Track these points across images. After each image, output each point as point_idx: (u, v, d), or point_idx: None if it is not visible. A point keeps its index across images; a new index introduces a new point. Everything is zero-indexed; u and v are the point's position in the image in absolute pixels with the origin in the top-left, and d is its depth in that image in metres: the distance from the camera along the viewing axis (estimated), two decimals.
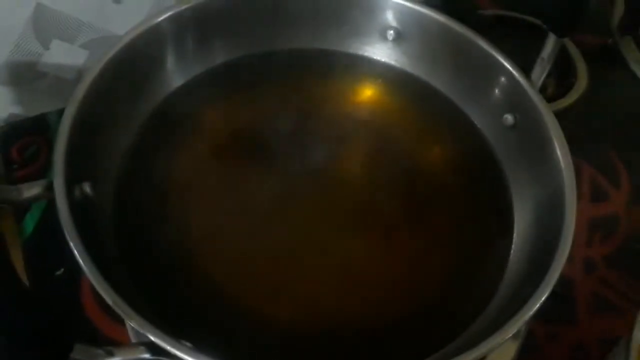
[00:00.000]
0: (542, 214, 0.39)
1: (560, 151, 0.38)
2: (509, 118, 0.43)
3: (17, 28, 0.45)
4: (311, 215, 0.40)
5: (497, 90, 0.44)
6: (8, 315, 0.25)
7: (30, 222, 0.48)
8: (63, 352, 0.27)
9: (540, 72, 0.42)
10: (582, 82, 0.58)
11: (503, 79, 0.43)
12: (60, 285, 0.45)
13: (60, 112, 0.36)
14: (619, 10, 0.65)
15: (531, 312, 0.32)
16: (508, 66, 0.42)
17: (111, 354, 0.29)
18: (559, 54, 0.54)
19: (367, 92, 0.49)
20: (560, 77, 0.58)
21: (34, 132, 0.52)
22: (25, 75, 0.47)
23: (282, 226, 0.40)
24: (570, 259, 0.48)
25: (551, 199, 0.38)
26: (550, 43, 0.42)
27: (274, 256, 0.38)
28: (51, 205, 0.33)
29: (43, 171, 0.50)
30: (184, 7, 0.43)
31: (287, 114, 0.45)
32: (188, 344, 0.29)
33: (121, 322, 0.42)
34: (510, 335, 0.31)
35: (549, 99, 0.55)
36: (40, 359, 0.27)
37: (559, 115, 0.41)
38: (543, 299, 0.32)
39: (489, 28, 0.54)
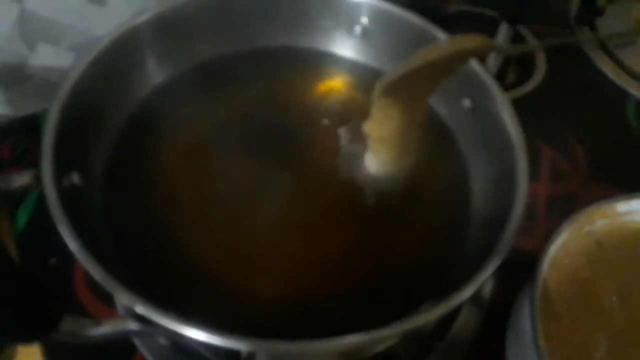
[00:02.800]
0: (499, 189, 0.42)
1: (513, 130, 0.41)
2: (466, 102, 0.46)
3: (3, 31, 0.47)
4: (287, 200, 0.43)
5: (455, 77, 0.46)
6: None
7: (22, 216, 0.50)
8: (53, 322, 0.29)
9: (495, 58, 0.45)
10: (540, 70, 0.61)
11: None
12: (53, 273, 0.47)
13: None
14: (576, 1, 0.69)
15: (485, 276, 0.34)
16: None
17: (99, 324, 0.31)
18: (517, 44, 0.57)
19: (336, 87, 0.51)
20: (520, 66, 0.62)
21: (24, 131, 0.54)
22: (13, 76, 0.49)
23: (262, 210, 0.42)
24: (531, 232, 0.52)
25: (506, 174, 0.41)
26: (503, 31, 0.44)
27: (255, 237, 0.41)
28: (42, 198, 0.35)
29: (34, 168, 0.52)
30: (164, 8, 0.45)
31: (262, 109, 0.48)
32: (172, 313, 0.31)
33: (113, 305, 0.45)
34: (467, 296, 0.33)
35: (510, 87, 0.59)
36: (31, 329, 0.29)
37: (520, 102, 0.45)
38: (497, 264, 0.35)
39: (452, 22, 0.58)
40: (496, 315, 0.45)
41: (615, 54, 0.65)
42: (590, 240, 0.43)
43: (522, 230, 0.37)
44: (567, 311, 0.40)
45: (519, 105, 0.43)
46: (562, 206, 0.54)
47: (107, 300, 0.45)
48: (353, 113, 0.48)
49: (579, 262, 0.42)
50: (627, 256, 0.43)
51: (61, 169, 0.37)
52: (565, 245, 0.42)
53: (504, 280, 0.47)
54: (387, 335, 0.32)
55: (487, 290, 0.47)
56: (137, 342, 0.43)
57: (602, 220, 0.44)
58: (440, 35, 0.47)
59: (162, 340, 0.42)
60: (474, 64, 0.45)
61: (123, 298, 0.31)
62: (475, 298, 0.46)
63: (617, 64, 0.64)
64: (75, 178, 0.38)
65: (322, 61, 0.52)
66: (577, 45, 0.59)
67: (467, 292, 0.34)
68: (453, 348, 0.44)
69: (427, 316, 0.33)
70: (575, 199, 0.55)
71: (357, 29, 0.51)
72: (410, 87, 0.39)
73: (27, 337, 0.30)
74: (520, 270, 0.42)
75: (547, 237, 0.41)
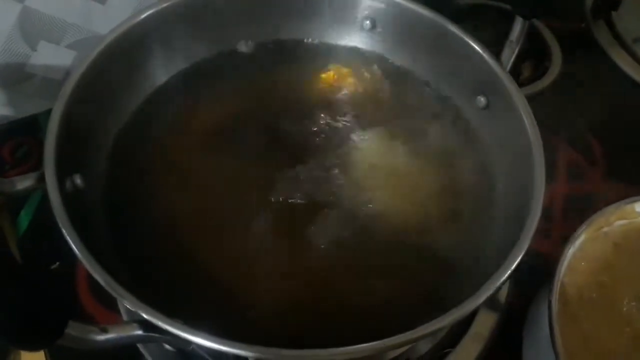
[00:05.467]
0: (517, 188, 0.40)
1: (529, 127, 0.40)
2: (481, 99, 0.45)
3: (4, 31, 0.46)
4: (294, 200, 0.42)
5: (469, 73, 0.45)
6: (5, 293, 0.26)
7: (24, 219, 0.49)
8: (59, 329, 0.28)
9: (509, 54, 0.44)
10: (556, 66, 0.60)
11: (474, 62, 0.44)
12: (55, 278, 0.46)
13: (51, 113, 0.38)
14: None
15: (501, 278, 0.33)
16: (478, 49, 0.44)
17: (105, 331, 0.30)
18: (534, 39, 0.56)
19: (347, 80, 0.50)
20: (536, 61, 0.60)
21: (25, 133, 0.53)
22: (14, 76, 0.48)
23: (269, 213, 0.41)
24: (548, 234, 0.51)
25: (523, 173, 0.39)
26: (518, 26, 0.43)
27: (262, 241, 0.40)
28: (44, 201, 0.34)
29: (35, 171, 0.51)
30: (165, 5, 0.44)
31: (270, 105, 0.47)
32: (178, 320, 0.30)
33: (116, 310, 0.44)
34: (482, 300, 0.32)
35: (525, 83, 0.57)
36: (37, 335, 0.28)
37: (536, 98, 0.43)
38: (513, 266, 0.34)
39: (465, 16, 0.56)
40: (513, 319, 0.44)
41: (632, 48, 0.63)
42: (607, 242, 0.42)
43: (539, 232, 0.35)
44: (585, 315, 0.39)
45: (534, 101, 0.42)
46: (580, 206, 0.52)
47: (110, 304, 0.44)
48: (366, 103, 0.47)
49: (597, 265, 0.41)
50: None
51: (64, 171, 0.36)
52: (582, 248, 0.41)
53: (521, 283, 0.45)
54: (399, 343, 0.31)
55: (504, 294, 0.45)
56: (142, 348, 0.42)
57: (620, 221, 0.43)
58: (452, 28, 0.46)
59: (167, 347, 0.41)
60: (488, 59, 0.44)
61: (128, 304, 0.31)
62: (492, 302, 0.45)
63: (635, 59, 0.62)
64: (77, 180, 0.38)
65: (333, 54, 0.51)
66: None
67: (482, 296, 0.32)
68: (468, 354, 0.43)
69: (440, 322, 0.31)
70: (593, 198, 0.53)
71: (367, 23, 0.50)
72: None
73: (33, 345, 0.29)
74: (538, 273, 0.41)
75: (565, 239, 0.40)
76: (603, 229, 0.42)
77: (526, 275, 0.38)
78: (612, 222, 0.42)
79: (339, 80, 0.50)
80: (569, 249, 0.40)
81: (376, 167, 0.44)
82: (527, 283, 0.43)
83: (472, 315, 0.44)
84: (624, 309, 0.40)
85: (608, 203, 0.42)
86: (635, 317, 0.39)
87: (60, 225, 0.33)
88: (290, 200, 0.41)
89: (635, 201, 0.43)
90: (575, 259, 0.40)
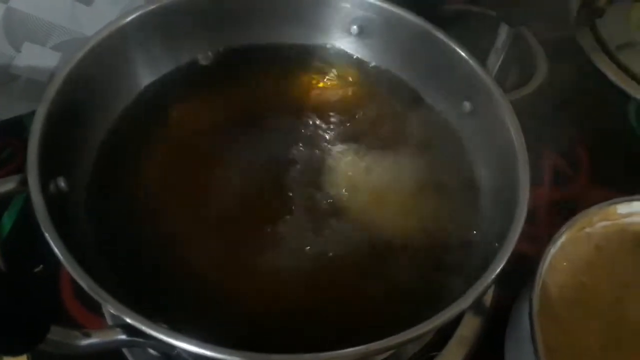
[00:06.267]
0: (502, 193, 0.41)
1: (514, 133, 0.40)
2: (467, 105, 0.45)
3: None
4: (278, 204, 0.42)
5: (455, 79, 0.46)
6: None
7: (8, 222, 0.48)
8: (41, 333, 0.28)
9: (495, 60, 0.44)
10: (541, 72, 0.60)
11: (460, 67, 0.45)
12: (39, 281, 0.46)
13: None
14: (576, 1, 0.68)
15: (485, 285, 0.33)
16: (464, 55, 0.44)
17: (88, 335, 0.30)
18: (519, 45, 0.56)
19: (333, 85, 0.50)
20: (521, 68, 0.61)
21: (9, 134, 0.53)
22: None
23: (255, 217, 0.41)
24: (533, 238, 0.51)
25: (508, 179, 0.40)
26: (504, 32, 0.44)
27: (243, 242, 0.40)
28: (28, 204, 0.34)
29: (20, 172, 0.51)
30: (152, 7, 0.44)
31: (254, 109, 0.47)
32: (163, 324, 0.30)
33: (101, 314, 0.43)
34: (466, 306, 0.32)
35: (510, 89, 0.58)
36: (18, 339, 0.27)
37: (520, 104, 0.43)
38: (497, 271, 0.34)
39: (452, 22, 0.57)
40: (498, 322, 0.44)
41: (615, 55, 0.64)
42: (589, 243, 0.43)
43: (524, 236, 0.36)
44: (565, 315, 0.40)
45: (520, 107, 0.42)
46: (564, 211, 0.53)
47: (95, 308, 0.44)
48: (352, 108, 0.47)
49: (578, 265, 0.42)
50: (626, 259, 0.43)
51: (47, 174, 0.35)
52: (564, 248, 0.42)
53: (507, 286, 0.46)
54: (384, 348, 0.31)
55: (489, 298, 0.46)
56: (126, 352, 0.41)
57: (602, 222, 0.43)
58: (439, 34, 0.46)
59: (152, 351, 0.40)
60: (474, 65, 0.44)
61: (112, 308, 0.30)
62: (477, 306, 0.45)
63: (619, 66, 0.63)
64: (61, 183, 0.37)
65: (319, 59, 0.51)
66: None
67: (467, 300, 0.33)
68: (454, 357, 0.43)
69: (425, 327, 0.31)
70: (578, 203, 0.54)
71: (354, 28, 0.50)
72: None
73: (13, 350, 0.29)
74: (523, 277, 0.41)
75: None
76: (585, 230, 0.43)
77: (512, 279, 0.38)
78: (594, 223, 0.43)
79: (324, 85, 0.50)
80: (551, 248, 0.40)
81: (361, 174, 0.44)
82: (512, 287, 0.43)
83: (458, 319, 0.44)
84: (604, 308, 0.40)
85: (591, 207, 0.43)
86: (615, 318, 0.40)
87: (43, 228, 0.32)
88: (275, 206, 0.41)
89: (617, 202, 0.43)
90: (557, 259, 0.41)
